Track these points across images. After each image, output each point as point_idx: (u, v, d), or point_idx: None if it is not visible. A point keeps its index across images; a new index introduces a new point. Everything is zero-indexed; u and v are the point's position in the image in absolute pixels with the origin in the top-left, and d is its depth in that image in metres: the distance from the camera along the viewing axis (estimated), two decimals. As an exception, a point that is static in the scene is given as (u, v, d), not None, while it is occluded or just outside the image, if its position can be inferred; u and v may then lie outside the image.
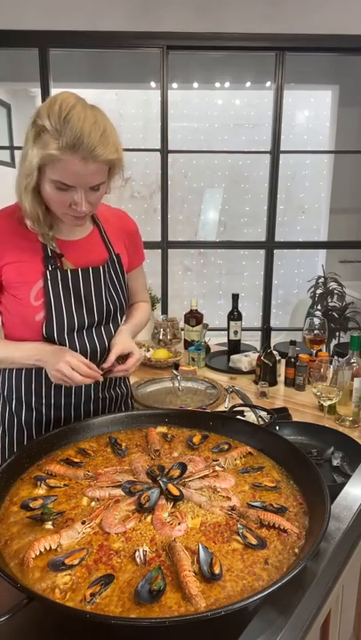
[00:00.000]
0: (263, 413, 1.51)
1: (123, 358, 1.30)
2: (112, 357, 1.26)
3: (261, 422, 1.44)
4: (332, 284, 4.04)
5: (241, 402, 1.66)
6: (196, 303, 2.42)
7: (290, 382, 1.96)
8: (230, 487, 1.02)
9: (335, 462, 1.29)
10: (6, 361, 1.27)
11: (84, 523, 0.88)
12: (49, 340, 1.24)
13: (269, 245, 3.71)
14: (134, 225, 1.46)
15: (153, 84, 4.23)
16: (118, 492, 0.98)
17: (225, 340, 2.35)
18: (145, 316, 1.53)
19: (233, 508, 0.93)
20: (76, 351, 1.24)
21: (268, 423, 1.44)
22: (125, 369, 1.28)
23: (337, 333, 3.92)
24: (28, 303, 1.22)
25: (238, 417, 1.41)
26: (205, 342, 2.39)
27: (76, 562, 0.80)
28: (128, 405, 1.52)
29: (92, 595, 0.73)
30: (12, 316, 1.27)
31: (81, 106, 1.06)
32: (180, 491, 0.96)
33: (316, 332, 2.01)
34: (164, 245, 3.64)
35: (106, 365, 1.26)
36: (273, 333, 2.57)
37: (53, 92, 3.34)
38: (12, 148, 5.29)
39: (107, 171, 1.13)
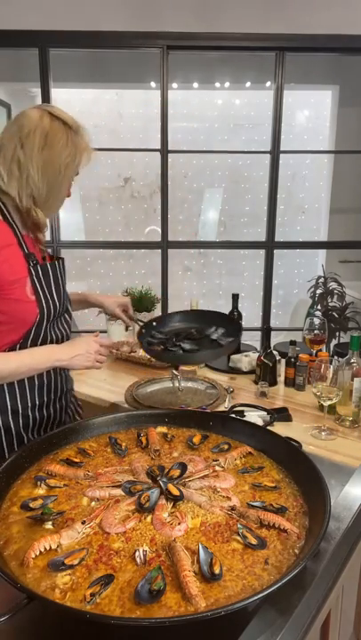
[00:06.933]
0: (263, 413, 1.52)
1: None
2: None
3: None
4: (332, 284, 4.04)
5: (241, 402, 1.66)
6: (196, 303, 2.42)
7: (290, 382, 1.96)
8: (230, 487, 1.02)
9: (214, 337, 1.51)
10: (19, 371, 1.24)
11: (84, 523, 0.88)
12: (35, 332, 1.30)
13: (269, 245, 3.71)
14: None
15: (153, 84, 4.22)
16: (118, 492, 0.98)
17: (225, 339, 2.35)
18: None
19: (233, 508, 0.93)
20: (53, 340, 1.35)
21: (268, 423, 1.44)
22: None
23: (337, 333, 3.92)
24: (27, 299, 1.27)
25: (238, 417, 1.41)
26: (205, 342, 2.39)
27: (75, 562, 0.80)
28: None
29: (92, 595, 0.73)
30: (7, 321, 1.27)
31: None
32: (180, 491, 0.96)
33: (316, 332, 2.01)
34: (164, 245, 3.64)
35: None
36: (273, 333, 2.56)
37: (53, 92, 3.34)
38: (12, 147, 5.28)
39: None
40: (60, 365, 1.29)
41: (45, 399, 1.38)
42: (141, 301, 2.60)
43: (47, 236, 3.86)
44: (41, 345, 1.32)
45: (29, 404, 1.35)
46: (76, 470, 1.06)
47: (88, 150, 1.30)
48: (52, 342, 1.34)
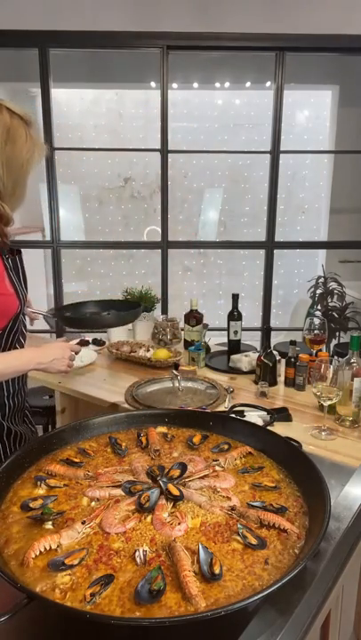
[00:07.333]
0: (263, 413, 1.52)
1: None
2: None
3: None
4: (332, 284, 4.04)
5: (241, 402, 1.65)
6: (196, 303, 2.42)
7: (290, 382, 1.96)
8: (230, 487, 1.02)
9: None
10: (6, 372, 1.29)
11: (84, 523, 0.88)
12: (12, 324, 1.33)
13: (269, 245, 3.71)
14: None
15: (153, 84, 4.23)
16: (118, 492, 0.98)
17: (225, 339, 2.35)
18: None
19: (233, 508, 0.93)
20: (18, 330, 1.38)
21: (268, 423, 1.45)
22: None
23: (337, 333, 3.92)
24: (7, 292, 1.31)
25: (238, 417, 1.41)
26: (205, 342, 2.39)
27: (75, 562, 0.80)
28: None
29: (92, 595, 0.73)
30: None
31: None
32: (180, 491, 0.96)
33: (316, 332, 2.01)
34: (164, 245, 3.64)
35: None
36: (273, 333, 2.56)
37: (53, 92, 3.34)
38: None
39: None
40: (39, 368, 1.33)
41: (17, 387, 1.44)
42: (141, 301, 2.60)
43: (47, 236, 3.87)
44: (14, 336, 1.37)
45: (5, 393, 1.39)
46: (76, 470, 1.06)
47: (42, 145, 1.32)
48: (21, 332, 1.40)
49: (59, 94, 4.67)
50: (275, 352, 2.00)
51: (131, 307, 2.10)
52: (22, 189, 1.31)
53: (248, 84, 4.67)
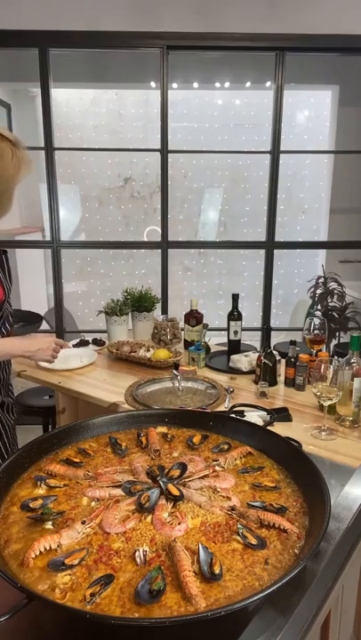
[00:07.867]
0: (263, 413, 1.52)
1: None
2: None
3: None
4: (332, 284, 4.04)
5: (241, 402, 1.65)
6: (196, 303, 2.42)
7: (290, 382, 1.96)
8: (230, 487, 1.02)
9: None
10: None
11: (84, 523, 0.88)
12: None
13: (269, 245, 3.71)
14: None
15: (153, 84, 4.23)
16: (118, 492, 0.98)
17: (225, 339, 2.36)
18: None
19: (233, 508, 0.93)
20: (2, 317, 1.53)
21: (268, 423, 1.45)
22: None
23: (337, 333, 3.92)
24: None
25: (238, 417, 1.41)
26: (205, 342, 2.39)
27: (75, 562, 0.80)
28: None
29: (92, 595, 0.73)
30: None
31: None
32: (180, 491, 0.96)
33: (316, 332, 2.01)
34: (164, 245, 3.64)
35: None
36: (273, 333, 2.56)
37: (53, 92, 3.34)
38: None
39: None
40: (26, 355, 1.54)
41: (3, 364, 1.61)
42: (141, 301, 2.60)
43: (47, 236, 3.89)
44: (0, 321, 1.52)
45: None
46: (76, 470, 1.06)
47: (28, 162, 1.50)
48: (6, 318, 1.55)
49: (59, 94, 4.67)
50: (275, 352, 2.00)
51: (35, 319, 2.43)
52: (9, 200, 1.47)
53: (248, 84, 4.67)
